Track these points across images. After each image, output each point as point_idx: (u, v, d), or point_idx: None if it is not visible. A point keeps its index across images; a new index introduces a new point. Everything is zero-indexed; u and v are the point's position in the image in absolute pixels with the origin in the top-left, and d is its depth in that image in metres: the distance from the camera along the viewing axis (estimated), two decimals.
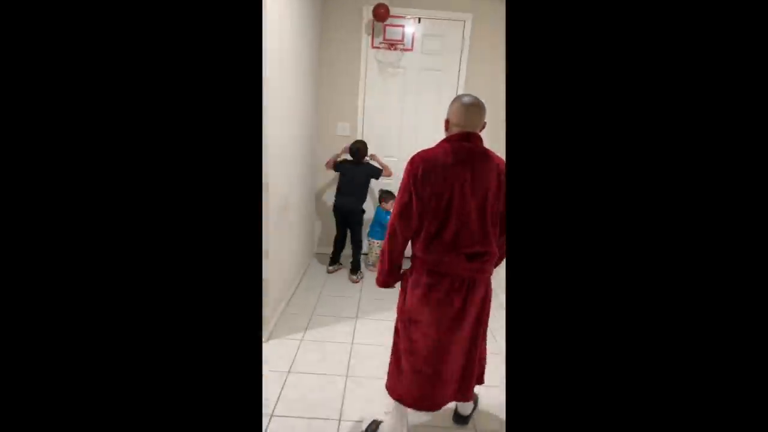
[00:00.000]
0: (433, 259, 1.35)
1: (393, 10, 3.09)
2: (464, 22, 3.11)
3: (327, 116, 3.27)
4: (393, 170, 3.13)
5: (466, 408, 1.70)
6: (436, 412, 1.68)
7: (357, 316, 2.51)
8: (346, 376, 1.93)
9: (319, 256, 3.47)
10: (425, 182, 1.30)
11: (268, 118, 1.89)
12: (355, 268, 3.07)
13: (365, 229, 3.28)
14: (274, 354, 2.05)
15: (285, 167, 2.31)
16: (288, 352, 2.07)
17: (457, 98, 1.36)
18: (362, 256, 3.28)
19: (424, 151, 1.36)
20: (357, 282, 3.01)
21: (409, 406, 1.45)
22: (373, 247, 3.28)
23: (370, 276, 3.14)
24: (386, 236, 1.41)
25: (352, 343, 2.20)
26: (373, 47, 3.18)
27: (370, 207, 3.27)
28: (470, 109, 1.33)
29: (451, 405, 1.73)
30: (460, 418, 1.70)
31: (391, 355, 1.50)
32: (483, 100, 1.38)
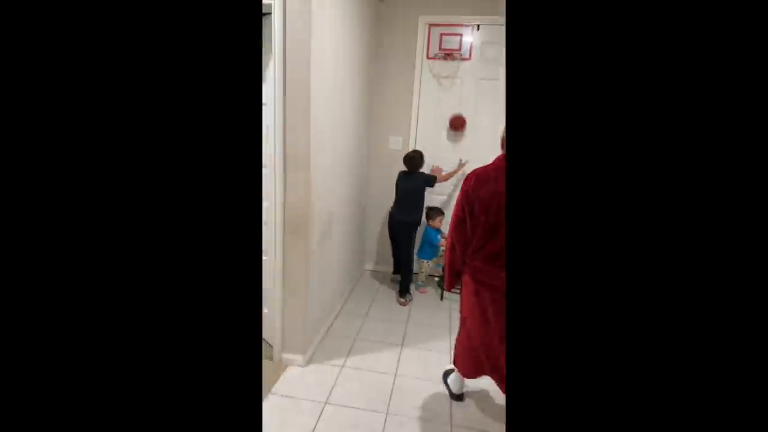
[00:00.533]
0: (475, 266, 1.51)
1: (450, 19, 2.95)
2: None
3: (379, 129, 3.18)
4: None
5: None
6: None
7: (403, 344, 2.33)
8: (386, 413, 1.76)
9: (370, 273, 3.36)
10: (476, 197, 1.42)
11: (313, 135, 1.82)
12: (403, 290, 2.89)
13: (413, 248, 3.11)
14: (313, 381, 1.94)
15: (332, 185, 2.23)
16: (327, 380, 1.96)
17: None
18: (413, 276, 3.11)
19: (478, 168, 1.48)
20: (405, 305, 2.84)
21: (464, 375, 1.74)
22: (423, 268, 3.10)
23: (419, 299, 2.96)
24: (446, 248, 1.64)
25: (396, 375, 2.03)
26: (429, 58, 3.04)
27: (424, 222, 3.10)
28: None
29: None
30: None
31: (458, 336, 1.75)
32: None
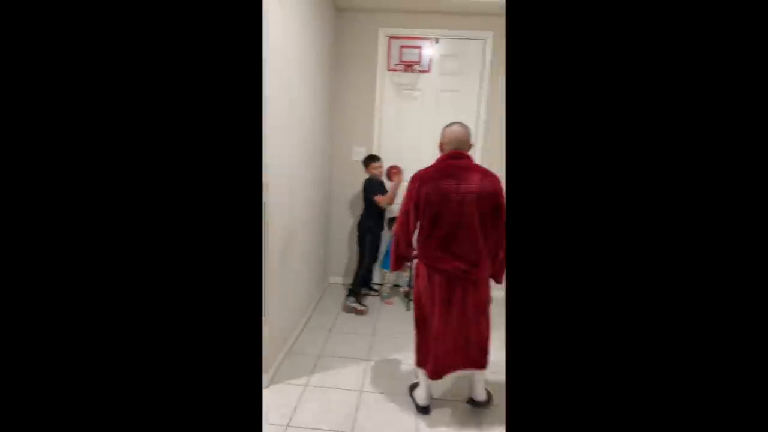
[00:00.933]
0: (427, 254, 1.69)
1: (409, 32, 2.99)
2: (485, 40, 2.96)
3: (342, 141, 3.15)
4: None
5: (478, 395, 1.85)
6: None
7: (369, 358, 2.28)
8: None
9: (335, 286, 3.29)
10: (421, 193, 1.65)
11: (269, 146, 1.76)
12: (349, 292, 2.88)
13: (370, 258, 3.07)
14: (274, 403, 1.85)
15: (291, 198, 2.16)
16: (289, 401, 1.87)
17: (449, 125, 1.74)
18: (378, 287, 3.08)
19: (422, 169, 1.73)
20: (347, 311, 2.82)
21: (427, 371, 1.76)
22: (386, 278, 3.07)
23: (385, 310, 2.92)
24: (392, 241, 1.86)
25: (361, 391, 1.98)
26: (389, 69, 3.06)
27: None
28: (458, 132, 1.70)
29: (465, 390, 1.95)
30: (474, 402, 1.87)
31: (415, 332, 1.82)
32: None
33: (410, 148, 3.12)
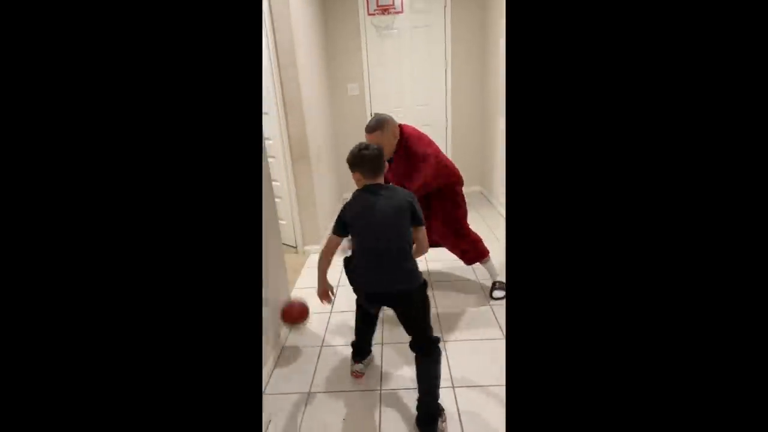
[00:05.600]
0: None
1: None
2: None
3: (338, 80, 3.88)
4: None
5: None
6: None
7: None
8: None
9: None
10: None
11: (302, 83, 2.54)
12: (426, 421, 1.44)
13: None
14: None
15: (316, 124, 2.96)
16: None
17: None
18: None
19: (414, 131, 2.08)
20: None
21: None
22: None
23: None
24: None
25: None
26: (369, 14, 3.71)
27: None
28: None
29: None
30: None
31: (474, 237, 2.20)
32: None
33: (395, 81, 3.86)
